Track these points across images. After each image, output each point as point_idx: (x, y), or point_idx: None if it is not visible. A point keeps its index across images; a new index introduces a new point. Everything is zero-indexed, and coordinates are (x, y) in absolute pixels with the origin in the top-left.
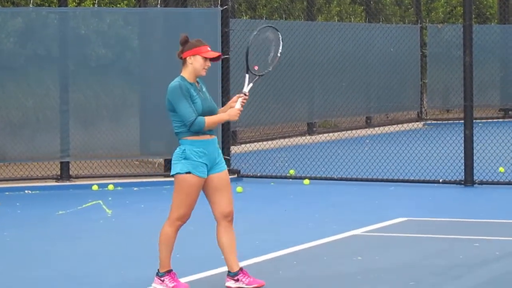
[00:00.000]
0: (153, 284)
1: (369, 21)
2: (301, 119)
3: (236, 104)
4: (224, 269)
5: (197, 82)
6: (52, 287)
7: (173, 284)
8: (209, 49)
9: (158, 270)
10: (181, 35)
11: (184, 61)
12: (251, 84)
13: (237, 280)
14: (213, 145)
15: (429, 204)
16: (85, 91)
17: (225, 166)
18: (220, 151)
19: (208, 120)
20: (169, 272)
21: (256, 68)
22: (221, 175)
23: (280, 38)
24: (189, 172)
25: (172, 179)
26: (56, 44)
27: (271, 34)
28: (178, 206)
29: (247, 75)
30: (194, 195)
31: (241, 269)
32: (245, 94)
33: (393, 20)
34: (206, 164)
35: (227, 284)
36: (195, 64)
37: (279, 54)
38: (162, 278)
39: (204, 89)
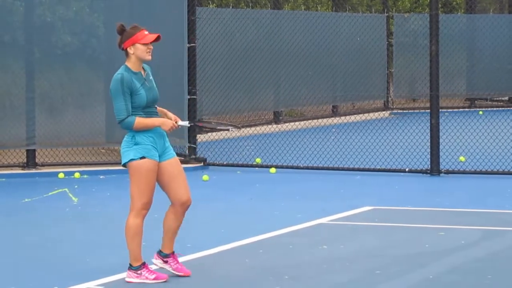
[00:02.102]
0: (128, 279)
1: (335, 10)
2: (268, 107)
3: (171, 121)
4: (186, 258)
5: (143, 70)
6: (15, 274)
7: (153, 276)
8: (146, 33)
9: (130, 264)
10: (117, 25)
11: (125, 52)
12: (186, 123)
13: (166, 262)
14: (160, 130)
15: (395, 193)
16: (51, 78)
17: (174, 153)
18: (167, 137)
19: (138, 122)
20: (143, 264)
21: (200, 124)
22: (173, 161)
23: (232, 129)
24: (143, 157)
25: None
26: (22, 32)
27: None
28: (140, 195)
29: (187, 122)
30: (153, 180)
31: (172, 253)
32: (177, 125)
33: (359, 9)
34: (156, 149)
35: (154, 261)
36: (137, 52)
37: (221, 127)
38: (138, 272)
39: (150, 77)
